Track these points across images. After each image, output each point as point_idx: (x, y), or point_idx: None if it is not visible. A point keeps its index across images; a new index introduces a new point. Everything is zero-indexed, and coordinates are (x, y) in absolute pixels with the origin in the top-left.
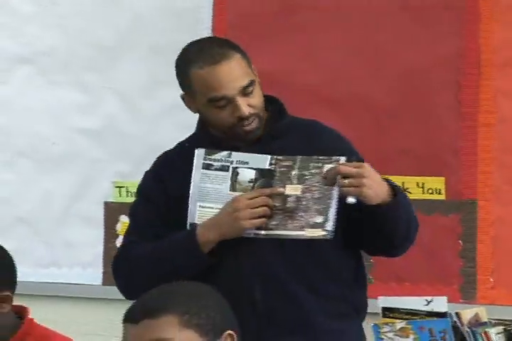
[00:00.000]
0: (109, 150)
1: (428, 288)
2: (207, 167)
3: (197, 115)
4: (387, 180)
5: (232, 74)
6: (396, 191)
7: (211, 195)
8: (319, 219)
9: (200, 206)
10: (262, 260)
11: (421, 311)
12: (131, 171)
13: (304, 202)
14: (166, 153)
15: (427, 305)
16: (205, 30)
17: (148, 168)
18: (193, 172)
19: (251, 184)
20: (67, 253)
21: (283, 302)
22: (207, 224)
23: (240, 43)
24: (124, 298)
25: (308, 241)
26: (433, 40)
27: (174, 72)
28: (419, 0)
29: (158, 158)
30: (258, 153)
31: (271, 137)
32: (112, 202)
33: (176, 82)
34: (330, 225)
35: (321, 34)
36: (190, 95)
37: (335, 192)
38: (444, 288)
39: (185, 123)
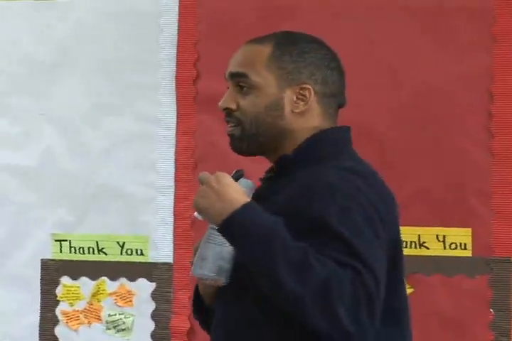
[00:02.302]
0: (45, 194)
1: None
2: None
3: (154, 148)
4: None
5: (238, 56)
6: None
7: None
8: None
9: None
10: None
11: None
12: (75, 221)
13: None
14: None
15: None
16: (169, 42)
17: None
18: None
19: None
20: None
21: None
22: None
23: (215, 56)
24: None
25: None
26: (456, 57)
27: (128, 96)
28: (438, 7)
29: None
30: (266, 187)
31: (281, 170)
32: (51, 260)
33: (130, 109)
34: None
35: None
36: None
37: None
38: None
39: (139, 158)
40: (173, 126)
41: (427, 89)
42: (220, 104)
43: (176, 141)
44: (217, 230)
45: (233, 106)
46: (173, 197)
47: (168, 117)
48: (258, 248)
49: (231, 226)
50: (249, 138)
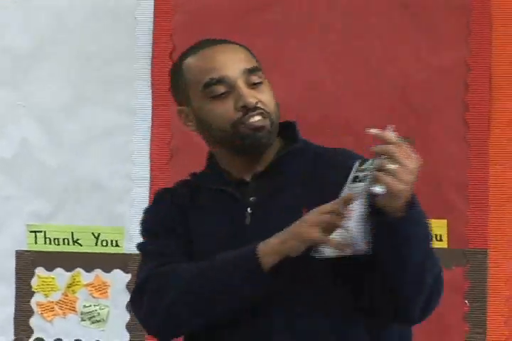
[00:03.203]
0: (22, 185)
1: None
2: (354, 179)
3: (130, 140)
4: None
5: (235, 54)
6: (413, 204)
7: None
8: None
9: None
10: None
11: None
12: (50, 212)
13: None
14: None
15: None
16: (144, 33)
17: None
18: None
19: None
20: None
21: None
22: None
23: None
24: None
25: None
26: (433, 49)
27: (104, 87)
28: (416, 0)
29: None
30: (265, 189)
31: (278, 168)
32: (26, 251)
33: (106, 100)
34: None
35: (293, 39)
36: (185, 101)
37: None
38: None
39: (115, 149)
40: (149, 117)
41: (404, 81)
42: (249, 100)
43: (152, 132)
44: (401, 218)
45: (261, 104)
46: (148, 188)
47: (144, 108)
48: (425, 236)
49: (414, 215)
50: (275, 129)
